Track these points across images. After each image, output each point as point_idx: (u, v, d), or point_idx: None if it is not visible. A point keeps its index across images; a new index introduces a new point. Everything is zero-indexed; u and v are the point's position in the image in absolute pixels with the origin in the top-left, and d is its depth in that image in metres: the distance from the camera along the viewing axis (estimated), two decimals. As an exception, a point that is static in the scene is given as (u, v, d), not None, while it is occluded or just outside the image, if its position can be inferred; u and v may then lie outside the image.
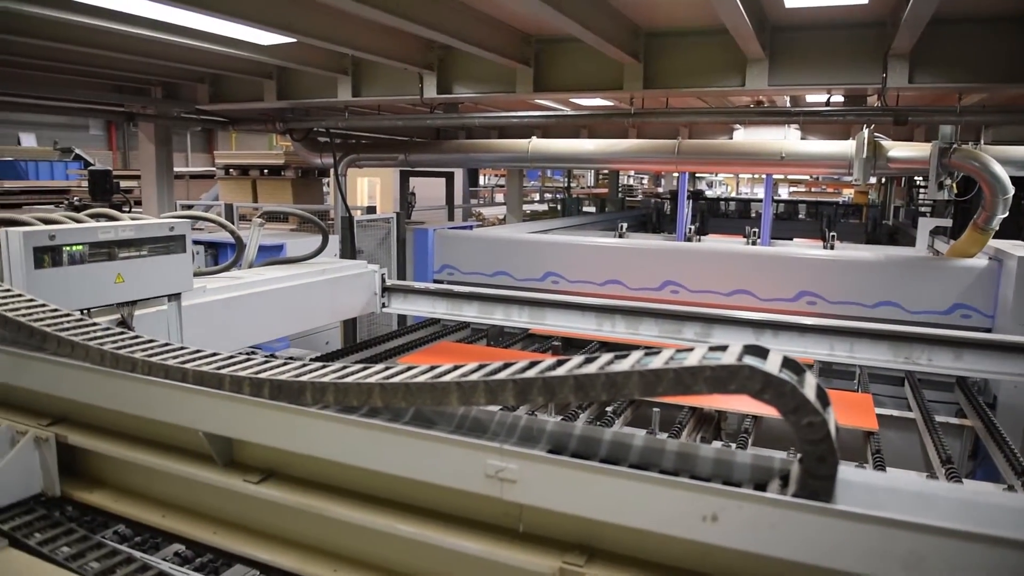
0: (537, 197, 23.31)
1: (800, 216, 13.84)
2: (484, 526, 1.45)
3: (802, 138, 8.78)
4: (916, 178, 12.50)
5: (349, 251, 7.52)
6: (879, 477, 1.29)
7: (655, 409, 3.56)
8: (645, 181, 27.94)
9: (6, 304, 2.10)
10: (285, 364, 1.73)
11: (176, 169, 9.77)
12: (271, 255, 5.49)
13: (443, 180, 11.97)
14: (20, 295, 2.21)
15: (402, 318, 6.79)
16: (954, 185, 5.97)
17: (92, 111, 8.87)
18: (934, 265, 5.79)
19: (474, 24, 5.21)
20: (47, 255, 2.69)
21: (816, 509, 1.10)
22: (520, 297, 4.49)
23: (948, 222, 8.03)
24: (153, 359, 1.78)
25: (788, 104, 8.25)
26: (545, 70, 6.08)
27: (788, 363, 1.19)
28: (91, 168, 9.91)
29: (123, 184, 10.97)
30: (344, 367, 1.64)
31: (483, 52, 5.42)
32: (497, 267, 7.03)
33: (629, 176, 26.97)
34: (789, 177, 24.17)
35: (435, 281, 7.14)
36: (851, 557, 1.07)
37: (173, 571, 1.75)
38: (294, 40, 5.21)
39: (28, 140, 18.18)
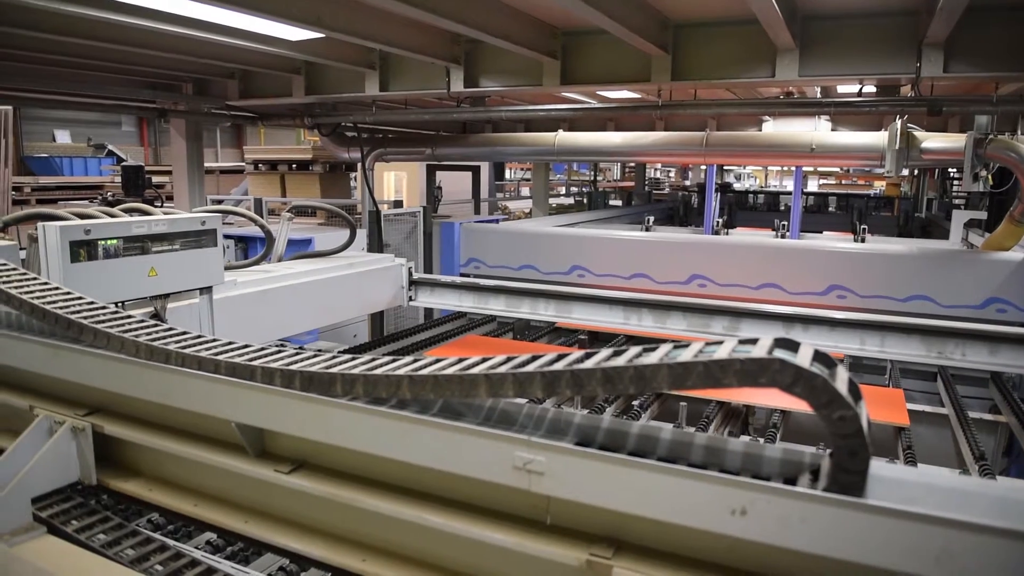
0: (563, 191, 23.25)
1: (830, 209, 13.67)
2: (512, 518, 1.45)
3: (833, 129, 8.64)
4: (950, 170, 12.26)
5: (376, 245, 7.56)
6: (911, 472, 1.27)
7: (682, 403, 3.55)
8: (672, 174, 27.74)
9: (44, 297, 2.14)
10: (315, 356, 1.75)
11: (206, 164, 9.89)
12: (300, 249, 5.54)
13: (469, 174, 11.98)
14: (57, 288, 2.25)
15: (428, 311, 6.83)
16: (989, 177, 5.85)
17: (125, 108, 9.00)
18: (968, 258, 5.69)
19: (501, 17, 5.20)
20: (83, 249, 2.74)
21: (848, 504, 1.09)
22: (547, 291, 4.49)
23: (983, 215, 7.89)
24: (186, 351, 1.81)
25: (819, 95, 8.13)
26: (572, 63, 6.06)
27: (819, 356, 1.17)
28: (124, 164, 10.08)
29: (155, 179, 11.13)
30: (373, 359, 1.66)
31: (510, 45, 5.41)
32: (523, 261, 7.03)
33: (656, 169, 26.80)
34: (819, 169, 23.84)
35: (461, 275, 7.17)
36: (883, 553, 1.06)
37: (205, 559, 1.78)
38: (323, 35, 5.25)
39: (63, 137, 18.52)
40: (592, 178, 21.45)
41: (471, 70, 6.40)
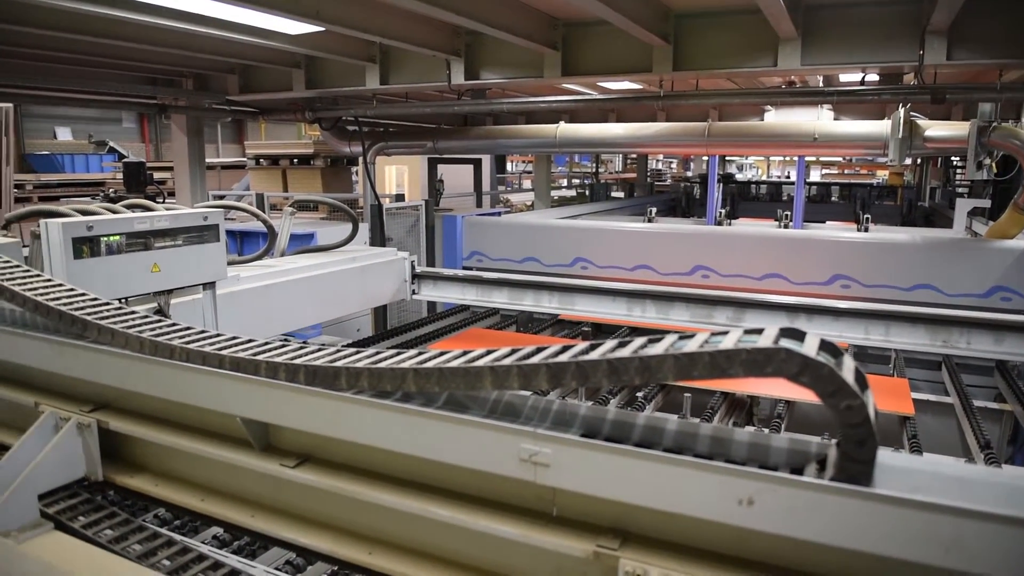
0: (565, 183, 23.21)
1: (833, 199, 13.63)
2: (518, 510, 1.45)
3: (835, 118, 8.61)
4: (953, 158, 12.21)
5: (379, 239, 7.56)
6: (917, 461, 1.27)
7: (686, 394, 3.54)
8: (674, 165, 27.69)
9: (48, 293, 2.14)
10: (319, 350, 1.74)
11: (208, 160, 9.89)
12: (302, 243, 5.54)
13: (471, 167, 11.96)
14: (61, 284, 2.25)
15: (432, 305, 6.83)
16: (993, 165, 5.82)
17: (125, 104, 9.01)
18: (972, 247, 5.68)
19: (501, 9, 5.19)
20: (86, 245, 2.75)
21: (856, 493, 1.08)
22: (550, 283, 4.49)
23: (987, 203, 7.85)
24: (191, 346, 1.81)
25: (821, 84, 8.10)
26: (573, 54, 6.04)
27: (825, 346, 1.17)
28: (125, 160, 10.08)
29: (156, 176, 11.12)
30: (377, 353, 1.65)
31: (510, 37, 5.40)
32: (526, 253, 7.03)
33: (658, 160, 26.75)
34: (821, 159, 23.77)
35: (464, 268, 7.16)
36: (892, 542, 1.06)
37: (212, 553, 1.78)
38: (322, 29, 5.23)
39: (64, 134, 18.53)
40: (594, 170, 21.41)
41: (472, 62, 6.39)
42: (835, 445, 1.22)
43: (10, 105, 9.12)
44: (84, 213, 3.03)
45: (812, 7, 5.16)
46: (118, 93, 8.37)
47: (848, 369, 1.14)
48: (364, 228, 7.44)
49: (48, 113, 17.77)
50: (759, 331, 1.21)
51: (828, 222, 9.56)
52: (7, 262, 2.41)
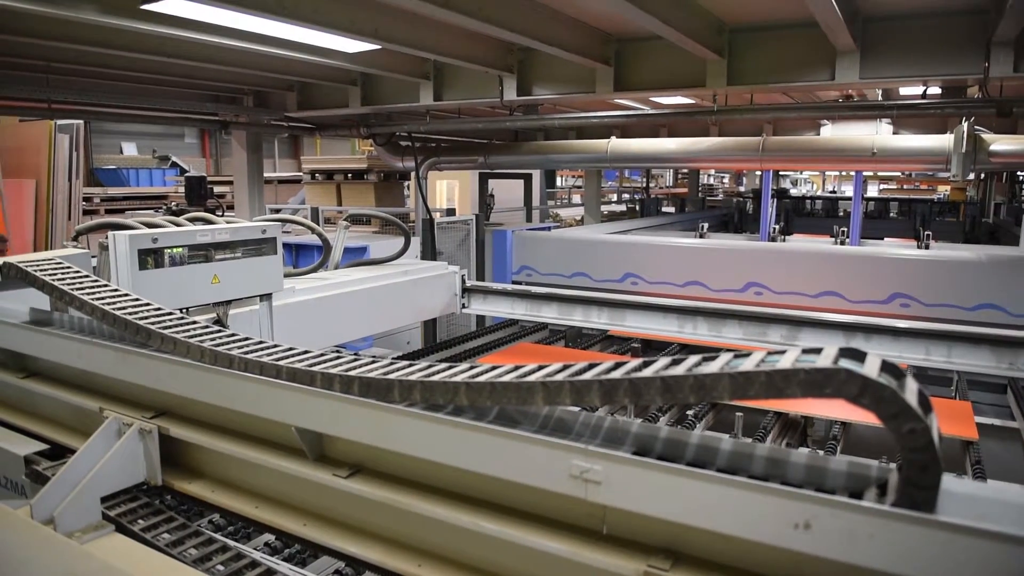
0: (615, 197, 23.13)
1: (891, 215, 13.26)
2: (567, 526, 1.44)
3: (894, 132, 8.41)
4: (1019, 173, 11.80)
5: (430, 252, 7.64)
6: (982, 488, 1.22)
7: (738, 413, 3.47)
8: (726, 180, 27.35)
9: (114, 303, 2.22)
10: (373, 362, 1.77)
11: (265, 174, 10.16)
12: (355, 257, 5.63)
13: (521, 182, 12.02)
14: (127, 294, 2.33)
15: (481, 319, 6.86)
16: (1063, 180, 5.60)
17: (188, 120, 9.31)
18: (1041, 265, 5.45)
19: (554, 25, 5.22)
20: (150, 257, 2.83)
21: (919, 520, 1.05)
22: (599, 298, 4.46)
23: (1056, 219, 7.55)
24: (248, 356, 1.85)
25: (880, 97, 7.92)
26: (625, 69, 6.03)
27: (887, 367, 1.14)
28: (187, 175, 10.42)
29: (216, 189, 11.47)
30: (430, 366, 1.67)
31: (563, 53, 5.42)
32: (576, 268, 7.00)
33: (709, 175, 26.47)
34: (879, 174, 23.18)
35: (514, 282, 7.17)
36: (957, 572, 1.02)
37: (264, 560, 1.81)
38: (379, 47, 5.34)
39: (129, 149, 19.25)
40: (644, 185, 21.28)
41: (524, 78, 6.43)
42: (896, 469, 1.19)
43: (80, 122, 9.52)
44: (149, 226, 3.14)
45: (871, 19, 5.06)
46: (181, 110, 8.67)
47: (911, 391, 1.11)
48: (416, 242, 7.53)
49: (115, 129, 18.50)
50: (817, 350, 1.18)
51: (886, 239, 9.32)
52: (77, 272, 2.51)
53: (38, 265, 2.56)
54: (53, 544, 1.70)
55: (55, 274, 2.47)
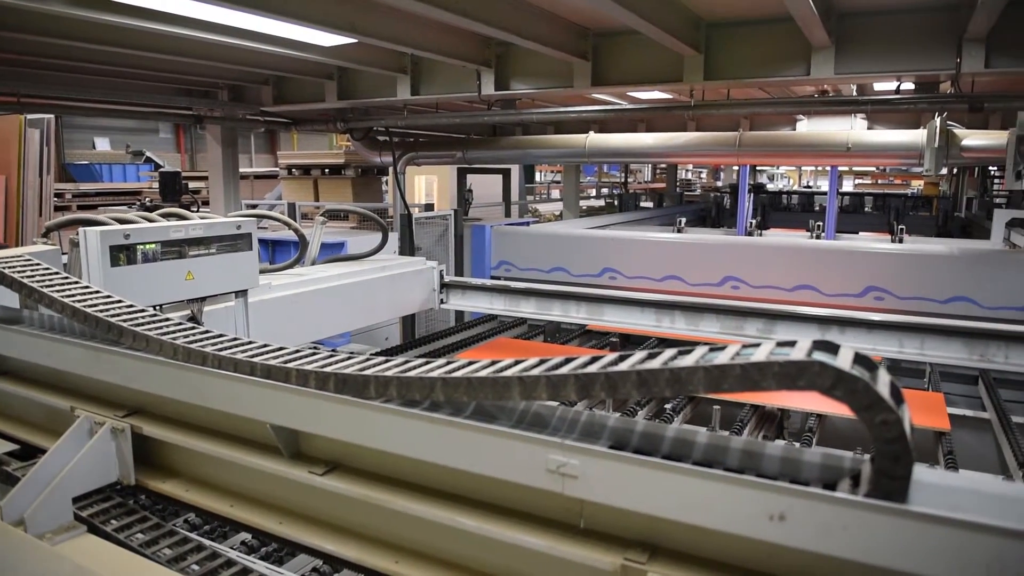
0: (594, 192, 23.18)
1: (866, 209, 13.43)
2: (545, 521, 1.44)
3: (869, 128, 8.50)
4: (991, 168, 11.98)
5: (408, 248, 7.61)
6: (954, 478, 1.24)
7: (715, 407, 3.50)
8: (704, 175, 27.52)
9: (85, 300, 2.19)
10: (349, 358, 1.75)
11: (241, 170, 10.05)
12: (333, 252, 5.59)
13: (499, 177, 12.00)
14: (98, 291, 2.29)
15: (459, 314, 6.85)
16: (1033, 174, 5.69)
17: (162, 115, 9.19)
18: (1011, 259, 5.55)
19: (532, 19, 5.20)
20: (122, 253, 2.80)
21: (891, 510, 1.06)
22: (578, 293, 4.48)
23: (1027, 214, 7.67)
24: (223, 353, 1.83)
25: (854, 93, 7.99)
26: (603, 64, 6.03)
27: (860, 359, 1.15)
28: (161, 170, 10.31)
29: (191, 185, 11.33)
30: (406, 362, 1.66)
31: (541, 47, 5.41)
32: (554, 263, 7.02)
33: (687, 170, 26.61)
34: (854, 169, 23.43)
35: (492, 277, 7.17)
36: (929, 561, 1.03)
37: (240, 559, 1.79)
38: (356, 41, 5.29)
39: (102, 144, 18.95)
40: (623, 180, 21.35)
41: (502, 73, 6.41)
42: (869, 460, 1.20)
43: (51, 116, 9.37)
44: (121, 222, 3.09)
45: (846, 14, 5.10)
46: (155, 104, 8.54)
47: (883, 383, 1.12)
48: (394, 237, 7.49)
49: (87, 124, 18.19)
50: (791, 343, 1.19)
51: (861, 233, 9.43)
52: (47, 269, 2.47)
53: (7, 262, 2.50)
54: (24, 546, 1.68)
55: (24, 271, 2.42)
